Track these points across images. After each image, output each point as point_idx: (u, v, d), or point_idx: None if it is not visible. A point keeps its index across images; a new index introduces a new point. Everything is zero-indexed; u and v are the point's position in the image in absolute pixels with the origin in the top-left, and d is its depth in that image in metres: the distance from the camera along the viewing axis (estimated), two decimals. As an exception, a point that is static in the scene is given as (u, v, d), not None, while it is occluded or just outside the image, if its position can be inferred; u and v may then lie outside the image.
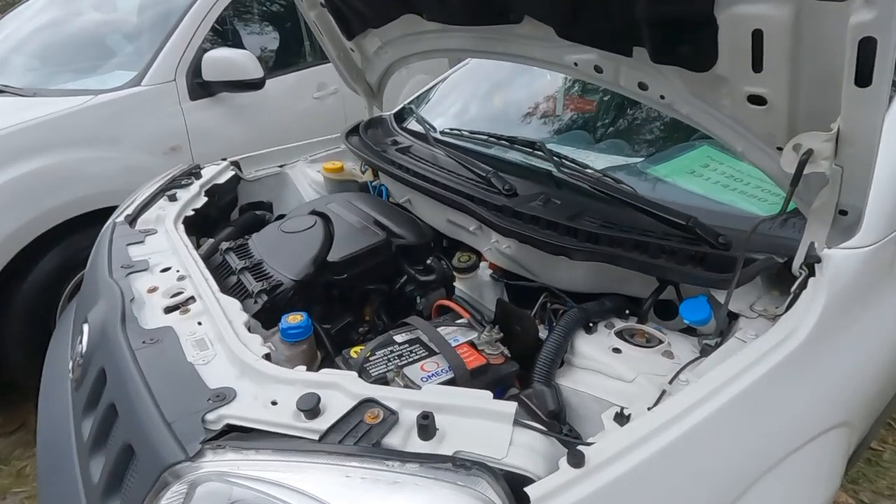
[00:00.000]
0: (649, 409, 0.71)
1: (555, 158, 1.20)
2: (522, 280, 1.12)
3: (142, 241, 1.23)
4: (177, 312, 0.95)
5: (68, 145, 2.05)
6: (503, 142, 1.37)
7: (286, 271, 1.12)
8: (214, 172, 1.60)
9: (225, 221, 1.65)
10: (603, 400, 0.81)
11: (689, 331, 0.95)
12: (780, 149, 0.81)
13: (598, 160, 1.34)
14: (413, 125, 1.79)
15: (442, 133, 1.57)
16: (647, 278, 1.02)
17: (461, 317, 1.03)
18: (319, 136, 2.19)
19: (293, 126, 2.90)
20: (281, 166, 1.86)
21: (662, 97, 0.95)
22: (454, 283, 1.15)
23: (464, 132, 1.51)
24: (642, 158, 1.41)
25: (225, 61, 2.43)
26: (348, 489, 0.56)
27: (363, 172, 1.74)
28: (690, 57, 0.80)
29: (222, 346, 0.85)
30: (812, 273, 0.86)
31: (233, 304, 0.96)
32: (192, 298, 1.00)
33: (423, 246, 1.24)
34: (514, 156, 1.35)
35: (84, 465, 0.81)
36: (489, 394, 0.70)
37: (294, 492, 0.57)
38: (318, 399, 0.68)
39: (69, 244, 2.04)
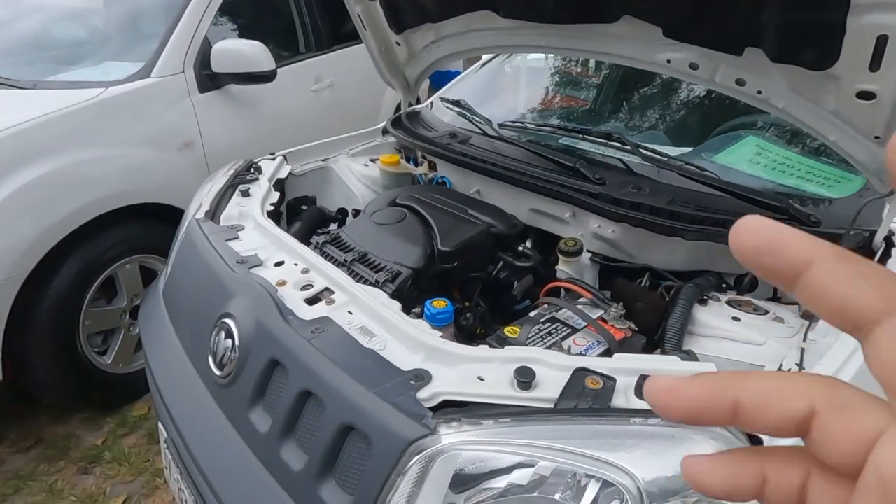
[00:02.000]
0: (798, 364, 0.83)
1: (641, 151, 1.29)
2: (621, 262, 1.22)
3: (236, 238, 1.21)
4: (321, 304, 0.97)
5: (82, 143, 1.93)
6: (575, 133, 1.45)
7: (399, 260, 1.15)
8: (274, 167, 1.58)
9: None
10: (739, 362, 0.92)
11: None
12: (877, 137, 0.94)
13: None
14: (452, 117, 1.83)
15: (500, 126, 1.62)
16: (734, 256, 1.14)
17: (580, 296, 1.11)
18: (319, 131, 2.14)
19: (297, 120, 2.86)
20: (323, 160, 1.85)
21: (759, 92, 1.06)
22: (558, 266, 1.22)
23: (528, 124, 1.58)
24: (690, 149, 1.54)
25: (236, 53, 2.37)
26: (617, 445, 0.62)
27: (416, 165, 1.77)
28: (812, 58, 0.91)
29: (391, 333, 0.88)
30: (893, 244, 1.01)
31: (376, 293, 0.99)
32: (327, 290, 1.02)
33: (515, 234, 1.31)
34: (585, 146, 1.44)
35: (270, 455, 0.82)
36: (676, 358, 0.78)
37: (566, 452, 0.63)
38: (534, 371, 0.74)
39: (87, 249, 1.94)
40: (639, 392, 0.70)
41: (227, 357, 0.94)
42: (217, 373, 0.95)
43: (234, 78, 2.40)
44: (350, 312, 0.95)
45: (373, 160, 1.87)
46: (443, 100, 1.98)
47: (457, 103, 1.81)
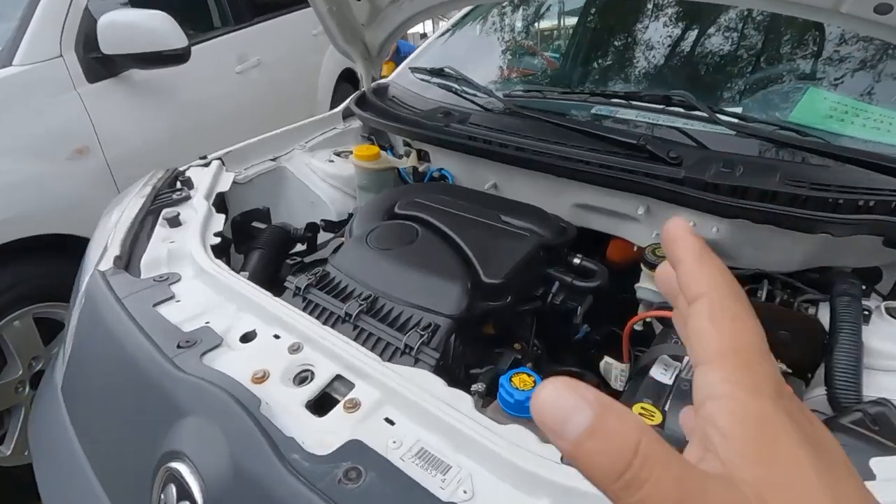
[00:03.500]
0: None
1: (719, 116, 0.97)
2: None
3: (171, 297, 0.79)
4: (339, 409, 0.59)
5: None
6: (618, 98, 1.11)
7: (425, 304, 0.78)
8: (211, 177, 1.14)
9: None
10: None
11: None
12: None
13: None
14: (433, 91, 1.43)
15: (507, 97, 1.25)
16: (862, 248, 0.86)
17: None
18: (252, 121, 1.68)
19: (222, 109, 2.36)
20: (273, 160, 1.41)
21: (913, 21, 0.77)
22: (640, 284, 0.89)
23: (545, 92, 1.22)
24: (739, 108, 1.25)
25: (131, 27, 1.83)
26: None
27: (394, 155, 1.38)
28: None
29: (473, 458, 0.52)
30: None
31: (422, 378, 0.61)
32: (340, 379, 0.63)
33: (566, 243, 0.96)
34: (630, 114, 1.10)
35: None
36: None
37: None
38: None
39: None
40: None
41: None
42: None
43: (133, 61, 1.86)
44: (390, 422, 0.57)
45: (338, 154, 1.45)
46: (413, 70, 1.57)
47: (439, 72, 1.42)
